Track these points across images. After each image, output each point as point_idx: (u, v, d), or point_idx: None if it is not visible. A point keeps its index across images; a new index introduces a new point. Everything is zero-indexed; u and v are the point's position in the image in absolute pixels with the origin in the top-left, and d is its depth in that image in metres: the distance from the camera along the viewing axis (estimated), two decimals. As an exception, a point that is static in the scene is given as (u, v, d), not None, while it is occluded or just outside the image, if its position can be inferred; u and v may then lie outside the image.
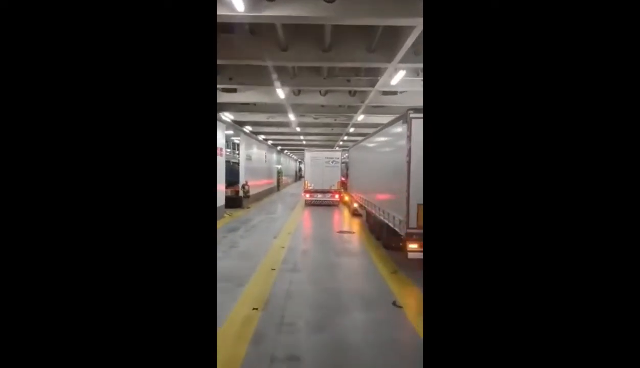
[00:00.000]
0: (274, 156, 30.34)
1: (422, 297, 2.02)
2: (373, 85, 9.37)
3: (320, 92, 11.16)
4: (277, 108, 13.00)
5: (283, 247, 8.96)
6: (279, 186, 31.89)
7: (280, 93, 10.37)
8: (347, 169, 18.89)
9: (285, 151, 38.13)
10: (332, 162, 18.49)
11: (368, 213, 11.39)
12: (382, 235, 9.39)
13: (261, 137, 22.32)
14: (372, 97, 10.72)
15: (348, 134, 20.19)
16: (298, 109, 13.01)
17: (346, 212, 17.22)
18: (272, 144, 27.56)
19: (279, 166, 32.94)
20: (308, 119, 15.17)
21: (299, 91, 11.30)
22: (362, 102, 11.27)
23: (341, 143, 26.34)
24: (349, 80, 9.37)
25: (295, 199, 23.78)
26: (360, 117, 14.00)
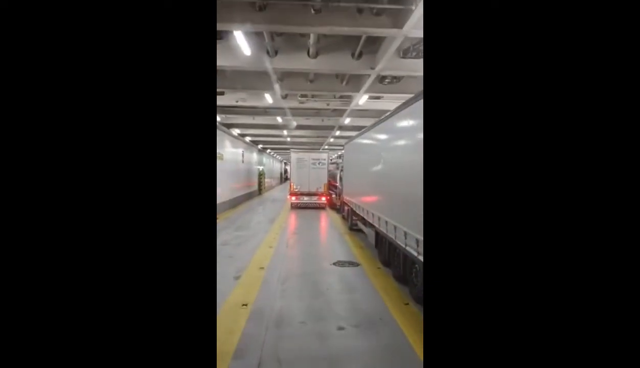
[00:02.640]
0: (255, 156, 26.58)
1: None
2: (400, 24, 5.55)
3: (308, 51, 7.33)
4: (247, 81, 9.12)
5: (245, 306, 5.11)
6: (260, 189, 28.22)
7: (245, 46, 6.51)
8: (341, 170, 15.29)
9: (269, 151, 34.24)
10: (319, 164, 17.79)
11: (379, 237, 7.64)
12: (411, 278, 5.66)
13: (236, 131, 18.37)
14: (390, 58, 6.95)
15: (342, 128, 16.40)
16: (277, 81, 9.16)
17: (338, 221, 13.52)
18: (251, 141, 23.60)
19: (261, 167, 29.21)
20: (293, 103, 11.32)
21: (276, 51, 7.45)
22: (372, 67, 7.45)
23: (332, 140, 22.57)
24: (360, 11, 5.51)
25: (278, 206, 19.96)
26: (362, 99, 10.22)
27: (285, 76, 9.19)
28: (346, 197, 13.22)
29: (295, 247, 9.42)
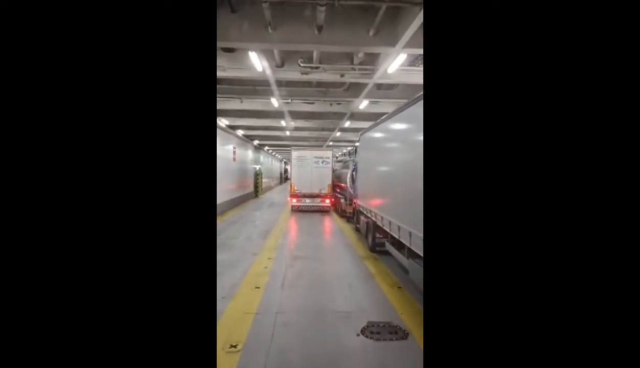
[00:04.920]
0: (250, 153, 23.42)
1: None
2: None
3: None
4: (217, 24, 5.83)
5: None
6: (257, 191, 25.11)
7: None
8: (353, 170, 12.05)
9: (267, 148, 30.99)
10: (322, 162, 16.24)
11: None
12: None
13: (223, 122, 15.10)
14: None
15: (354, 116, 13.07)
16: (268, 27, 5.82)
17: (352, 235, 10.21)
18: (245, 135, 20.33)
19: (258, 166, 26.04)
20: (292, 73, 7.99)
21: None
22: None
23: (338, 134, 19.28)
24: None
25: (276, 211, 16.75)
26: (396, 64, 6.88)
27: (278, 18, 5.88)
28: (362, 204, 9.95)
29: (296, 287, 6.09)
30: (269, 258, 7.89)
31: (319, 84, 9.51)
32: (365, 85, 8.71)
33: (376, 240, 8.26)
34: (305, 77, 8.00)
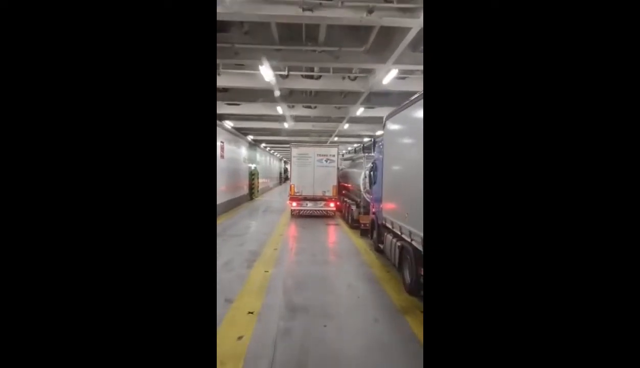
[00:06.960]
0: (243, 150, 20.49)
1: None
2: None
3: None
4: None
5: None
6: (252, 193, 22.28)
7: None
8: (372, 168, 9.04)
9: (264, 145, 27.94)
10: (327, 161, 14.38)
11: None
12: None
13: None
14: None
15: (375, 96, 9.97)
16: None
17: (373, 261, 6.93)
18: (235, 128, 17.26)
19: (253, 165, 23.10)
20: (286, 8, 4.94)
21: None
22: None
23: (346, 127, 16.22)
24: None
25: (271, 220, 13.77)
26: None
27: None
28: (390, 217, 6.88)
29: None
30: (249, 313, 4.81)
31: (328, 40, 6.42)
32: (403, 34, 5.58)
33: (422, 280, 5.19)
34: (307, 18, 4.89)
